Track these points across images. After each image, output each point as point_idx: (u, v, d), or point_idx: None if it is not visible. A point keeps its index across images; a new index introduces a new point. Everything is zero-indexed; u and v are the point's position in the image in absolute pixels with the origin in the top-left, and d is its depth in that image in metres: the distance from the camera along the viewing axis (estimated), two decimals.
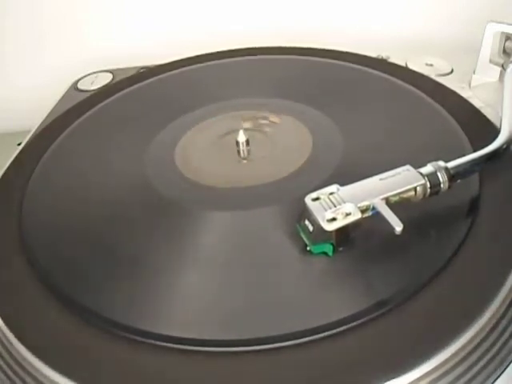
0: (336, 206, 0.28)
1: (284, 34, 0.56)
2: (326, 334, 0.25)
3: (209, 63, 0.51)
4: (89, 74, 0.55)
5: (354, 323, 0.26)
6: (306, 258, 0.29)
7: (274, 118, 0.38)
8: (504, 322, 0.26)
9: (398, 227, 0.26)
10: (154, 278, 0.29)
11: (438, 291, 0.27)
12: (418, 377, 0.24)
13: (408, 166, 0.30)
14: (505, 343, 0.26)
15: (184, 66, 0.51)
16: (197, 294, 0.29)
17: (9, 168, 0.41)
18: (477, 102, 0.42)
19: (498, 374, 0.25)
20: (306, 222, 0.29)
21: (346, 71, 0.47)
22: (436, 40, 0.58)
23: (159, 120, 0.43)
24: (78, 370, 0.26)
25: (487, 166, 0.32)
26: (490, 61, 0.45)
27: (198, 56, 0.52)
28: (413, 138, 0.37)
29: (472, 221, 0.30)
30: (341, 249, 0.29)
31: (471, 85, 0.46)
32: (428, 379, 0.24)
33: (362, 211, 0.28)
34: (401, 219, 0.27)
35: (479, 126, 0.38)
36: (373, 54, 0.50)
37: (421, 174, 0.29)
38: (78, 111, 0.46)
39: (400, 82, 0.44)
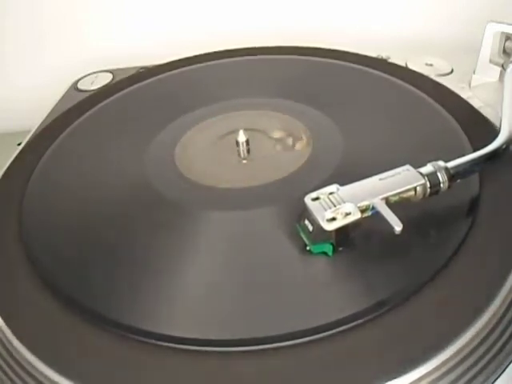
0: (336, 206, 0.28)
1: (284, 34, 0.56)
2: (326, 333, 0.25)
3: (208, 63, 0.51)
4: (89, 74, 0.55)
5: (354, 323, 0.26)
6: (306, 258, 0.29)
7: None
8: (504, 322, 0.26)
9: (398, 227, 0.26)
10: (154, 277, 0.29)
11: (437, 291, 0.27)
12: (418, 377, 0.24)
13: (408, 166, 0.30)
14: (505, 343, 0.26)
15: (184, 66, 0.51)
16: (197, 293, 0.29)
17: (9, 168, 0.41)
18: (477, 102, 0.42)
19: (498, 374, 0.25)
20: (306, 222, 0.29)
21: (346, 71, 0.47)
22: (436, 40, 0.58)
23: (159, 120, 0.43)
24: (78, 369, 0.26)
25: (487, 165, 0.32)
26: (490, 61, 0.45)
27: (197, 56, 0.52)
28: (413, 138, 0.37)
29: (472, 221, 0.30)
30: (340, 249, 0.29)
31: (471, 85, 0.46)
32: (428, 379, 0.24)
33: (362, 211, 0.28)
34: (401, 219, 0.27)
35: (479, 126, 0.38)
36: (373, 54, 0.50)
37: (421, 173, 0.29)
38: (78, 111, 0.46)
39: (400, 82, 0.44)
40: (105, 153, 0.40)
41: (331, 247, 0.29)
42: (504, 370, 0.25)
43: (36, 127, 0.47)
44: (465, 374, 0.25)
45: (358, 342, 0.25)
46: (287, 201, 0.33)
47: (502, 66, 0.44)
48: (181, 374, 0.25)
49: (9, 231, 0.34)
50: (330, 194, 0.29)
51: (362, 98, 0.43)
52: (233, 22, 0.62)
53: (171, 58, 0.52)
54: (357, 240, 0.29)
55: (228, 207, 0.33)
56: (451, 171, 0.30)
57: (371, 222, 0.28)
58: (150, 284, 0.29)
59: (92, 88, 0.52)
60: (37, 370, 0.26)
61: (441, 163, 0.30)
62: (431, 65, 0.49)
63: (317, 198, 0.29)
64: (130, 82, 0.49)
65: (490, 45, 0.44)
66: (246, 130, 0.38)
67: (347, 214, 0.28)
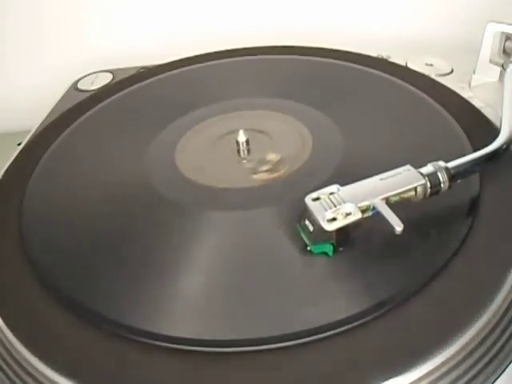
0: (336, 206, 0.28)
1: (284, 34, 0.55)
2: (326, 334, 0.25)
3: (208, 63, 0.51)
4: (89, 74, 0.55)
5: (354, 323, 0.26)
6: (306, 258, 0.29)
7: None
8: (504, 322, 0.26)
9: (399, 227, 0.27)
10: (154, 277, 0.29)
11: (438, 291, 0.27)
12: (418, 377, 0.24)
13: (408, 166, 0.30)
14: (505, 343, 0.26)
15: (184, 66, 0.51)
16: (197, 294, 0.29)
17: (9, 168, 0.41)
18: (477, 102, 0.42)
19: (498, 374, 0.25)
20: (307, 222, 0.29)
21: (346, 71, 0.47)
22: (436, 40, 0.58)
23: (159, 120, 0.43)
24: (78, 369, 0.26)
25: (487, 166, 0.32)
26: (490, 61, 0.45)
27: (197, 56, 0.52)
28: (413, 138, 0.37)
29: (472, 221, 0.30)
30: (341, 249, 0.29)
31: (471, 85, 0.46)
32: (428, 379, 0.24)
33: (363, 211, 0.28)
34: (401, 219, 0.27)
35: (479, 126, 0.38)
36: (373, 54, 0.50)
37: (421, 173, 0.30)
38: (78, 111, 0.46)
39: (400, 82, 0.44)
40: (105, 153, 0.40)
41: (332, 247, 0.29)
42: (504, 370, 0.25)
43: (36, 127, 0.47)
44: (465, 374, 0.25)
45: (357, 342, 0.25)
46: (287, 201, 0.33)
47: (502, 66, 0.44)
48: (181, 374, 0.25)
49: (9, 231, 0.34)
50: (331, 194, 0.29)
51: (362, 97, 0.43)
52: (233, 22, 0.62)
53: (171, 58, 0.52)
54: (357, 240, 0.29)
55: (228, 207, 0.33)
56: (452, 171, 0.30)
57: (372, 222, 0.28)
58: (150, 284, 0.29)
59: (92, 88, 0.52)
60: (37, 369, 0.26)
61: (441, 163, 0.30)
62: (431, 65, 0.49)
63: (317, 199, 0.29)
64: (130, 82, 0.49)
65: (490, 45, 0.44)
66: (245, 130, 0.38)
67: (348, 215, 0.28)
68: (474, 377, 0.25)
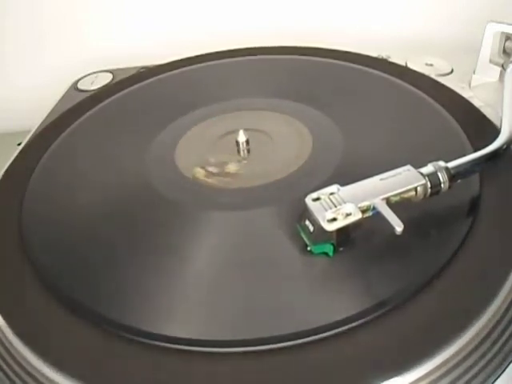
0: (336, 207, 0.28)
1: (284, 34, 0.56)
2: (326, 334, 0.25)
3: (209, 63, 0.51)
4: (89, 74, 0.55)
5: (355, 323, 0.26)
6: (307, 258, 0.29)
7: None
8: (504, 322, 0.26)
9: (399, 227, 0.27)
10: (154, 277, 0.29)
11: (438, 291, 0.27)
12: (418, 377, 0.24)
13: (408, 166, 0.30)
14: (505, 343, 0.26)
15: (184, 66, 0.51)
16: (196, 294, 0.29)
17: (9, 168, 0.41)
18: (477, 102, 0.42)
19: (498, 373, 0.25)
20: (307, 222, 0.29)
21: (346, 71, 0.47)
22: (436, 40, 0.58)
23: (159, 120, 0.43)
24: (78, 369, 0.26)
25: (487, 165, 0.32)
26: (490, 61, 0.45)
27: (197, 56, 0.52)
28: (413, 138, 0.37)
29: (472, 221, 0.30)
30: (341, 249, 0.29)
31: (471, 85, 0.46)
32: (428, 379, 0.24)
33: (363, 211, 0.28)
34: (401, 219, 0.27)
35: (479, 126, 0.38)
36: (373, 54, 0.50)
37: (421, 173, 0.30)
38: (78, 111, 0.46)
39: (400, 82, 0.44)
40: (105, 153, 0.40)
41: (332, 247, 0.29)
42: (504, 370, 0.25)
43: (36, 127, 0.47)
44: (465, 373, 0.25)
45: (358, 342, 0.25)
46: (287, 201, 0.33)
47: (502, 66, 0.44)
48: (181, 374, 0.25)
49: (9, 231, 0.34)
50: (331, 194, 0.29)
51: (362, 97, 0.43)
52: (233, 22, 0.62)
53: (171, 58, 0.52)
54: (357, 240, 0.29)
55: (228, 207, 0.33)
56: (452, 171, 0.30)
57: (372, 222, 0.28)
58: (150, 284, 0.29)
59: (92, 88, 0.52)
60: (37, 369, 0.26)
61: (441, 163, 0.30)
62: (431, 65, 0.49)
63: (317, 199, 0.29)
64: (130, 82, 0.49)
65: (490, 45, 0.44)
66: (246, 130, 0.38)
67: (348, 215, 0.28)
68: (474, 377, 0.25)
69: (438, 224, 0.31)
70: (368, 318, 0.26)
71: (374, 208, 0.28)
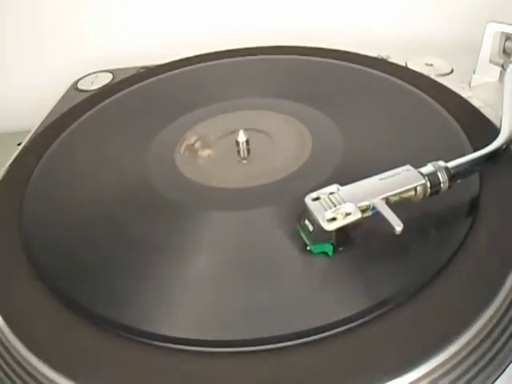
0: (336, 206, 0.28)
1: (284, 34, 0.55)
2: (326, 334, 0.25)
3: (209, 63, 0.51)
4: (89, 74, 0.55)
5: (354, 323, 0.26)
6: (306, 258, 0.29)
7: None
8: (504, 322, 0.26)
9: (398, 227, 0.26)
10: (154, 277, 0.29)
11: (438, 291, 0.27)
12: (418, 377, 0.24)
13: (408, 166, 0.30)
14: (505, 343, 0.26)
15: (184, 66, 0.51)
16: (197, 294, 0.29)
17: (9, 168, 0.41)
18: (477, 102, 0.42)
19: (498, 373, 0.25)
20: (306, 222, 0.29)
21: (346, 71, 0.47)
22: (436, 40, 0.58)
23: (159, 120, 0.43)
24: (78, 369, 0.26)
25: (487, 166, 0.32)
26: (490, 61, 0.45)
27: (197, 56, 0.52)
28: (413, 138, 0.37)
29: (472, 221, 0.30)
30: (341, 249, 0.29)
31: (471, 85, 0.46)
32: (428, 379, 0.24)
33: (362, 211, 0.28)
34: (401, 219, 0.27)
35: (479, 126, 0.38)
36: (373, 54, 0.50)
37: (421, 173, 0.29)
38: (78, 111, 0.46)
39: (400, 82, 0.44)
40: (105, 153, 0.40)
41: (331, 247, 0.29)
42: (504, 370, 0.25)
43: (36, 127, 0.47)
44: (465, 373, 0.25)
45: (357, 342, 0.25)
46: (287, 201, 0.33)
47: (502, 66, 0.44)
48: (181, 374, 0.25)
49: (9, 231, 0.34)
50: (331, 194, 0.29)
51: (361, 97, 0.43)
52: (233, 22, 0.62)
53: (171, 58, 0.52)
54: (357, 240, 0.29)
55: (228, 207, 0.33)
56: (451, 171, 0.30)
57: (371, 222, 0.28)
58: (150, 284, 0.29)
59: (92, 88, 0.52)
60: (37, 369, 0.26)
61: (441, 163, 0.30)
62: (431, 65, 0.49)
63: (317, 198, 0.29)
64: (130, 82, 0.49)
65: (490, 45, 0.44)
66: (245, 130, 0.38)
67: (347, 214, 0.28)
68: (474, 376, 0.25)
69: (437, 224, 0.31)
70: (368, 317, 0.26)
71: (373, 208, 0.28)
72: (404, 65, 0.49)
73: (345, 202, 0.28)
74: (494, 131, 0.35)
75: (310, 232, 0.29)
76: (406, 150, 0.36)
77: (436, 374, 0.24)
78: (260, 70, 0.49)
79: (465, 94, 0.43)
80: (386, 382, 0.23)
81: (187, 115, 0.43)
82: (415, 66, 0.49)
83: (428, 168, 0.30)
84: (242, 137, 0.38)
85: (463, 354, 0.25)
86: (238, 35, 0.59)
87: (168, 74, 0.50)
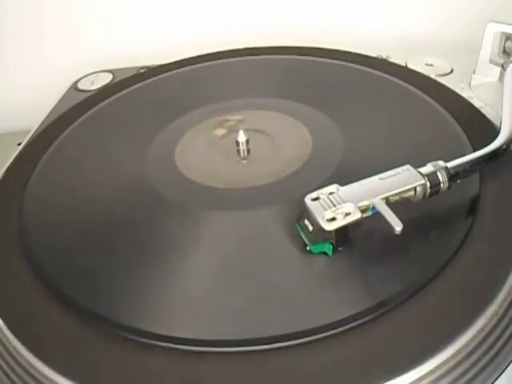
0: (336, 206, 0.28)
1: (284, 34, 0.56)
2: (326, 334, 0.25)
3: (209, 63, 0.51)
4: (89, 74, 0.55)
5: (354, 323, 0.26)
6: (306, 258, 0.29)
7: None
8: (504, 323, 0.26)
9: (398, 227, 0.26)
10: (154, 277, 0.29)
11: (437, 291, 0.27)
12: (418, 377, 0.24)
13: (408, 166, 0.30)
14: (505, 343, 0.26)
15: (184, 66, 0.51)
16: (197, 294, 0.29)
17: (9, 168, 0.41)
18: (477, 102, 0.42)
19: (498, 374, 0.25)
20: (306, 222, 0.29)
21: (346, 71, 0.47)
22: (436, 40, 0.58)
23: (159, 120, 0.43)
24: (78, 369, 0.26)
25: (487, 165, 0.32)
26: (490, 61, 0.45)
27: (197, 56, 0.52)
28: (413, 138, 0.37)
29: (472, 221, 0.30)
30: (340, 249, 0.29)
31: (471, 85, 0.46)
32: (428, 379, 0.24)
33: (362, 211, 0.28)
34: (401, 219, 0.27)
35: (479, 126, 0.38)
36: (373, 54, 0.50)
37: (421, 173, 0.29)
38: (78, 111, 0.46)
39: (400, 82, 0.44)
40: (105, 153, 0.40)
41: (331, 247, 0.29)
42: (504, 371, 0.25)
43: (36, 127, 0.47)
44: (465, 374, 0.25)
45: (357, 342, 0.25)
46: (287, 201, 0.33)
47: (502, 66, 0.44)
48: (181, 374, 0.25)
49: (9, 231, 0.34)
50: (330, 193, 0.29)
51: (362, 97, 0.43)
52: (233, 22, 0.62)
53: (171, 58, 0.52)
54: (357, 240, 0.29)
55: (228, 207, 0.33)
56: (451, 171, 0.30)
57: (371, 222, 0.28)
58: (150, 284, 0.29)
59: (92, 88, 0.52)
60: (37, 369, 0.26)
61: (441, 163, 0.30)
62: (431, 65, 0.49)
63: (317, 198, 0.29)
64: (130, 82, 0.49)
65: (490, 45, 0.44)
66: (245, 130, 0.38)
67: (347, 214, 0.28)
68: (474, 377, 0.25)
69: (437, 224, 0.31)
70: (368, 317, 0.26)
71: (373, 208, 0.28)
72: (404, 65, 0.49)
73: (344, 202, 0.28)
74: (494, 131, 0.35)
75: (310, 232, 0.29)
76: (406, 149, 0.36)
77: (436, 374, 0.24)
78: (260, 70, 0.49)
79: (465, 94, 0.43)
80: (387, 381, 0.23)
81: (187, 115, 0.43)
82: (415, 66, 0.49)
83: (428, 168, 0.30)
84: (241, 137, 0.38)
85: (463, 354, 0.25)
86: (238, 35, 0.59)
87: (168, 74, 0.50)
